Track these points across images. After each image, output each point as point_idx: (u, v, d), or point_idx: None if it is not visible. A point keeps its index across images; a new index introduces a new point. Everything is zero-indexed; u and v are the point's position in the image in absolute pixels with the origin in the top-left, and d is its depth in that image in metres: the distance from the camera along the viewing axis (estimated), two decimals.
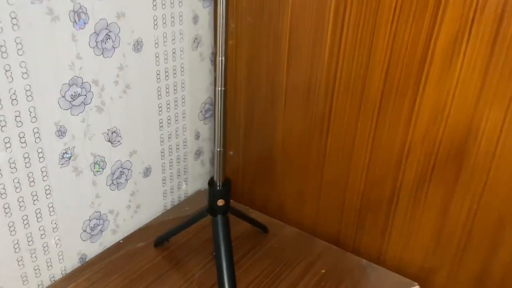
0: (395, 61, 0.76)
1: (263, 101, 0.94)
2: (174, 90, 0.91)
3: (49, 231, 0.76)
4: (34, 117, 0.67)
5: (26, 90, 0.65)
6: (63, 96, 0.70)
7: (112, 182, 0.85)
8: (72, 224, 0.80)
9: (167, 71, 0.88)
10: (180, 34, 0.88)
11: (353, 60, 0.80)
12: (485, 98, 0.70)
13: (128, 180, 0.88)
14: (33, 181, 0.71)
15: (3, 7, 0.59)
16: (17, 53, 0.62)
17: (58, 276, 0.81)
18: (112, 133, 0.81)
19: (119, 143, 0.83)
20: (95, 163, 0.80)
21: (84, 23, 0.70)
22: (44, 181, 0.72)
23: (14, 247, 0.72)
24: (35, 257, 0.76)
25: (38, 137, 0.69)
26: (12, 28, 0.61)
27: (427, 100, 0.75)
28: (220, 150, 0.74)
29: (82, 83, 0.73)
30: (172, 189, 1.01)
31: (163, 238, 0.89)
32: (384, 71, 0.77)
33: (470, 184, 0.76)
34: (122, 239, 0.91)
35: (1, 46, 0.60)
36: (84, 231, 0.83)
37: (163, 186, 0.98)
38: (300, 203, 0.98)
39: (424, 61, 0.73)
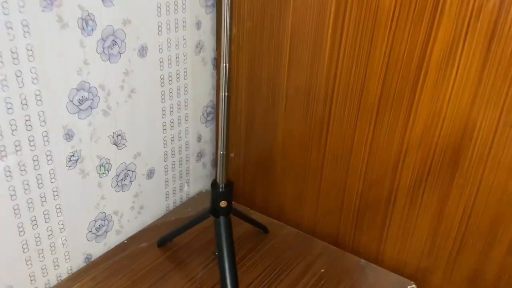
0: (392, 66, 0.78)
1: (264, 103, 0.96)
2: (177, 94, 0.93)
3: (56, 231, 0.78)
4: (43, 121, 0.70)
5: (36, 95, 0.67)
6: (71, 101, 0.73)
7: (117, 184, 0.87)
8: (78, 224, 0.82)
9: (170, 76, 0.90)
10: (184, 39, 0.90)
11: (352, 65, 0.82)
12: (479, 104, 0.72)
13: (132, 182, 0.90)
14: (41, 183, 0.73)
15: (15, 15, 0.61)
16: (28, 60, 0.64)
17: (64, 275, 0.83)
18: (117, 136, 0.83)
19: (124, 145, 0.85)
20: (100, 165, 0.82)
21: (92, 29, 0.72)
22: (52, 183, 0.74)
23: (22, 247, 0.74)
24: (43, 257, 0.78)
25: (47, 141, 0.71)
26: (24, 35, 0.63)
27: (424, 105, 0.77)
28: (223, 153, 0.76)
29: (89, 88, 0.75)
30: (175, 190, 1.03)
31: (166, 238, 0.91)
32: (382, 76, 0.80)
33: (464, 186, 0.78)
34: (126, 240, 0.93)
35: (13, 53, 0.62)
36: (89, 231, 0.85)
37: (165, 188, 1.00)
38: (299, 204, 1.01)
39: (421, 68, 0.75)
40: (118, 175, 0.86)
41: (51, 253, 0.79)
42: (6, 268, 0.72)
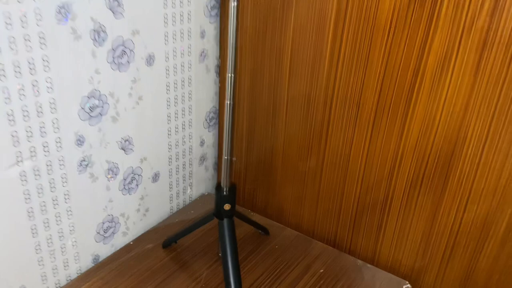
0: (389, 75, 0.82)
1: (265, 109, 1.00)
2: (182, 100, 0.97)
3: (67, 233, 0.81)
4: (57, 127, 0.73)
5: (51, 103, 0.70)
6: (82, 108, 0.76)
7: (124, 187, 0.90)
8: (87, 226, 0.85)
9: (176, 83, 0.93)
10: (189, 48, 0.93)
11: (350, 73, 0.86)
12: (471, 112, 0.76)
13: (139, 185, 0.94)
14: (54, 187, 0.76)
15: (33, 28, 0.64)
16: (44, 70, 0.68)
17: (73, 275, 0.86)
18: (125, 142, 0.86)
19: (131, 150, 0.88)
20: (109, 169, 0.85)
21: (103, 40, 0.75)
22: (63, 186, 0.78)
23: (35, 248, 0.77)
24: (54, 258, 0.81)
25: (60, 146, 0.74)
26: (40, 47, 0.66)
27: (418, 112, 0.81)
28: (227, 158, 0.80)
29: (100, 95, 0.78)
30: (178, 193, 1.06)
31: (171, 240, 0.94)
32: (379, 85, 0.83)
33: (456, 192, 0.82)
34: (132, 241, 0.96)
35: (30, 63, 0.66)
36: (97, 233, 0.88)
37: (169, 191, 1.03)
38: (299, 207, 1.04)
39: (416, 77, 0.79)
40: (125, 179, 0.90)
41: (62, 254, 0.82)
42: (20, 269, 0.75)
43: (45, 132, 0.71)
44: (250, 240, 0.98)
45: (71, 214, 0.81)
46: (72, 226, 0.82)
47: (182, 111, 0.98)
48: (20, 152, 0.69)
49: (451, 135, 0.79)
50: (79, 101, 0.75)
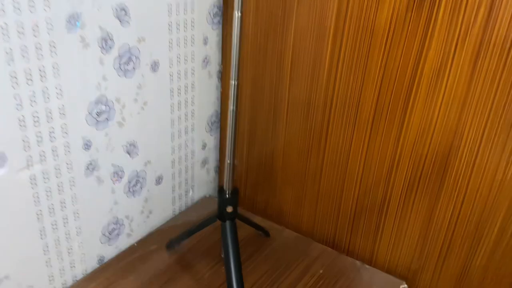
0: (387, 81, 0.84)
1: (266, 114, 1.02)
2: (185, 105, 0.99)
3: (74, 235, 0.84)
4: (65, 132, 0.75)
5: (60, 109, 0.73)
6: (90, 113, 0.78)
7: (129, 190, 0.92)
8: (93, 228, 0.87)
9: (179, 89, 0.96)
10: (192, 54, 0.96)
11: (349, 79, 0.88)
12: (466, 116, 0.78)
13: (143, 188, 0.96)
14: (62, 190, 0.78)
15: (44, 37, 0.66)
16: (54, 77, 0.70)
17: (79, 276, 0.88)
18: (130, 146, 0.89)
19: (136, 154, 0.91)
20: (114, 172, 0.88)
21: (110, 48, 0.77)
22: (71, 190, 0.80)
23: (43, 249, 0.79)
24: (61, 259, 0.83)
25: (68, 151, 0.77)
26: (51, 55, 0.68)
27: (415, 116, 0.83)
28: (230, 162, 0.82)
29: (107, 101, 0.80)
30: (180, 195, 1.09)
31: (174, 241, 0.96)
32: (377, 89, 0.86)
33: (452, 193, 0.84)
34: (136, 242, 0.98)
35: (41, 71, 0.68)
36: (103, 235, 0.90)
37: (172, 193, 1.06)
38: (298, 209, 1.07)
39: (413, 83, 0.82)
40: (130, 182, 0.92)
41: (68, 255, 0.84)
42: (28, 269, 0.77)
43: (54, 137, 0.73)
44: (251, 241, 1.00)
45: (78, 217, 0.83)
46: (79, 228, 0.84)
47: (185, 115, 1.00)
48: (31, 156, 0.71)
49: (447, 139, 0.82)
50: (86, 107, 0.77)
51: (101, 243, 0.91)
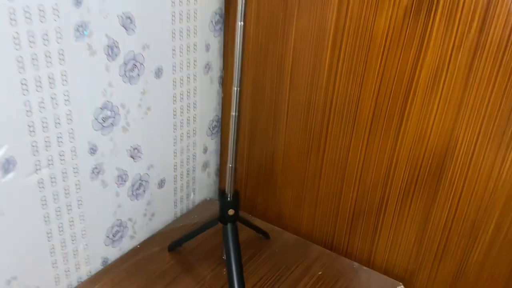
0: (384, 87, 0.86)
1: (266, 117, 1.04)
2: (187, 110, 1.01)
3: (79, 237, 0.86)
4: (72, 137, 0.77)
5: (67, 115, 0.75)
6: (96, 119, 0.80)
7: (132, 193, 0.94)
8: (97, 231, 0.89)
9: (182, 94, 0.98)
10: (194, 61, 0.98)
11: (348, 84, 0.90)
12: (460, 122, 0.81)
13: (145, 191, 0.98)
14: (68, 193, 0.80)
15: (53, 45, 0.69)
16: (62, 84, 0.72)
17: (84, 277, 0.90)
18: (134, 150, 0.91)
19: (139, 158, 0.93)
20: (119, 176, 0.90)
21: (116, 55, 0.80)
22: (77, 193, 0.82)
23: (50, 251, 0.81)
24: (67, 260, 0.85)
25: (75, 155, 0.79)
26: (59, 63, 0.70)
27: (412, 122, 0.86)
28: (231, 166, 0.84)
29: (112, 107, 0.82)
30: (182, 198, 1.11)
31: (176, 243, 0.98)
32: (375, 96, 0.88)
33: (448, 196, 0.86)
34: (139, 244, 1.00)
35: (50, 78, 0.70)
36: (107, 237, 0.92)
37: (174, 196, 1.08)
38: (298, 212, 1.09)
39: (409, 90, 0.84)
40: (133, 185, 0.94)
41: (74, 257, 0.86)
42: (35, 270, 0.79)
43: (61, 142, 0.76)
44: (251, 243, 1.02)
45: (83, 219, 0.85)
46: (84, 230, 0.86)
47: (187, 120, 1.03)
48: (39, 161, 0.73)
49: (442, 144, 0.84)
50: (93, 112, 0.79)
51: (105, 245, 0.93)
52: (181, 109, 0.99)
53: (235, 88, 0.78)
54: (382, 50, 0.84)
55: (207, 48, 1.01)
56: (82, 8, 0.71)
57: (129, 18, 0.79)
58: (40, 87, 0.69)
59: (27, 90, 0.67)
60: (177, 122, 1.00)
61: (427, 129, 0.85)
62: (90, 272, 0.91)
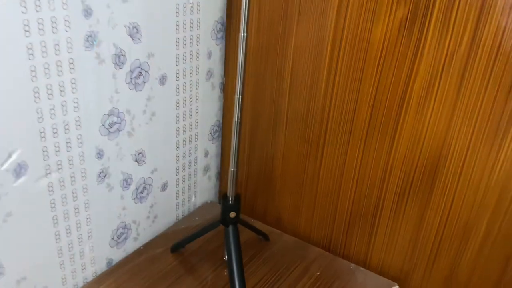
0: (380, 96, 0.89)
1: (266, 123, 1.07)
2: (190, 115, 1.04)
3: (85, 239, 0.88)
4: (81, 143, 0.80)
5: (76, 121, 0.78)
6: (103, 125, 0.83)
7: (136, 196, 0.97)
8: (103, 233, 0.92)
9: (184, 100, 1.01)
10: (197, 68, 1.01)
11: (345, 92, 0.93)
12: (453, 129, 0.84)
13: (149, 194, 1.01)
14: (76, 196, 0.83)
15: (64, 55, 0.72)
16: (72, 92, 0.75)
17: (90, 278, 0.93)
18: (138, 154, 0.94)
19: (143, 162, 0.96)
20: (124, 180, 0.93)
21: (123, 63, 0.83)
22: (84, 196, 0.85)
23: (58, 253, 0.83)
24: (73, 261, 0.87)
25: (83, 159, 0.82)
26: (70, 71, 0.73)
27: (406, 129, 0.89)
28: (233, 170, 0.87)
29: (118, 113, 0.85)
30: (184, 201, 1.14)
31: (179, 245, 1.01)
32: (371, 104, 0.91)
33: (441, 199, 0.89)
34: (142, 246, 1.02)
35: (61, 86, 0.73)
36: (112, 239, 0.95)
37: (176, 199, 1.11)
38: (296, 214, 1.12)
39: (404, 98, 0.87)
40: (137, 189, 0.97)
41: (80, 258, 0.89)
42: (43, 271, 0.82)
43: (70, 147, 0.78)
44: (251, 245, 1.05)
45: (89, 221, 0.88)
46: (90, 232, 0.89)
47: (190, 125, 1.06)
48: (49, 165, 0.76)
49: (435, 151, 0.87)
50: (100, 119, 0.82)
51: (110, 246, 0.95)
52: (183, 114, 1.02)
53: (238, 96, 0.81)
54: (378, 59, 0.88)
55: (209, 55, 1.04)
56: (92, 19, 0.74)
57: (135, 28, 0.82)
58: (51, 94, 0.72)
59: (39, 97, 0.70)
60: (179, 127, 1.03)
61: (421, 136, 0.88)
62: (96, 273, 0.94)
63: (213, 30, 1.02)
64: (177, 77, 0.96)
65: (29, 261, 0.78)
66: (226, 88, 1.12)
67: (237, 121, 0.83)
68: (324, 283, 0.95)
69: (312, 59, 0.95)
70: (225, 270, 0.96)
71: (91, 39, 0.75)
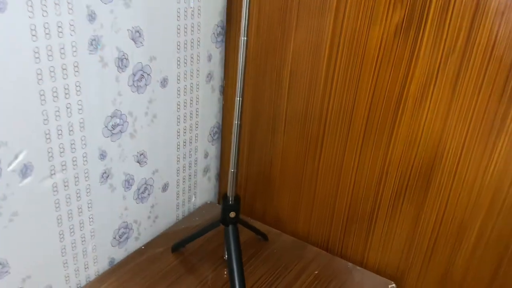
0: (376, 98, 0.91)
1: (265, 124, 1.09)
2: (190, 117, 1.06)
3: (88, 238, 0.90)
4: (84, 144, 0.82)
5: (80, 123, 0.80)
6: (106, 126, 0.85)
7: (138, 197, 0.99)
8: (105, 232, 0.94)
9: (185, 102, 1.03)
10: (197, 71, 1.03)
11: (343, 94, 0.95)
12: (448, 131, 0.86)
13: (150, 195, 1.03)
14: (79, 196, 0.85)
15: (69, 58, 0.73)
16: (76, 94, 0.77)
17: (92, 277, 0.94)
18: (140, 155, 0.96)
19: (145, 163, 0.98)
20: (126, 180, 0.94)
21: (125, 66, 0.84)
22: (87, 196, 0.86)
23: (61, 251, 0.85)
24: (76, 260, 0.89)
25: (86, 160, 0.83)
26: (74, 74, 0.75)
27: (402, 131, 0.91)
28: (233, 171, 0.89)
29: (121, 115, 0.87)
30: (184, 202, 1.16)
31: (179, 244, 1.03)
32: (368, 106, 0.93)
33: (436, 199, 0.91)
34: (143, 245, 1.04)
35: (66, 89, 0.75)
36: (114, 238, 0.97)
37: (176, 199, 1.13)
38: (295, 215, 1.13)
39: (400, 100, 0.89)
40: (139, 189, 0.99)
41: (83, 257, 0.90)
42: (48, 270, 0.84)
43: (74, 148, 0.80)
44: (250, 245, 1.06)
45: (92, 221, 0.89)
46: (93, 231, 0.91)
47: (190, 127, 1.07)
48: (54, 166, 0.78)
49: (431, 151, 0.89)
50: (103, 120, 0.84)
51: (112, 246, 0.97)
52: (184, 116, 1.04)
53: (238, 99, 0.82)
54: (374, 63, 0.90)
55: (209, 58, 1.06)
56: (96, 24, 0.76)
57: (138, 32, 0.84)
58: (57, 97, 0.74)
59: (44, 100, 0.72)
60: (180, 129, 1.05)
61: (417, 136, 0.90)
62: (98, 272, 0.95)
63: (213, 33, 1.04)
64: (178, 79, 0.98)
65: (34, 259, 0.80)
66: (226, 90, 1.14)
67: (238, 123, 0.84)
68: (322, 282, 0.97)
69: (311, 61, 0.97)
70: (225, 269, 0.98)
71: (95, 43, 0.77)
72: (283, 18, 0.97)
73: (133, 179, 0.96)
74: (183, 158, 1.09)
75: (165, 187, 1.06)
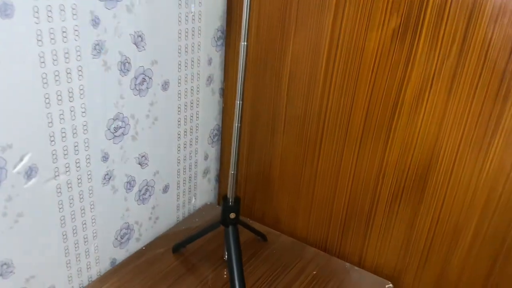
0: (374, 101, 0.93)
1: (264, 127, 1.10)
2: (190, 120, 1.08)
3: (91, 239, 0.92)
4: (87, 146, 0.83)
5: (83, 126, 0.81)
6: (108, 129, 0.87)
7: (139, 198, 1.01)
8: (107, 233, 0.95)
9: (186, 105, 1.05)
10: (198, 74, 1.05)
11: (341, 97, 0.97)
12: (443, 134, 0.87)
13: (151, 196, 1.04)
14: (82, 198, 0.86)
15: (73, 63, 0.75)
16: (80, 97, 0.78)
17: (94, 277, 0.96)
18: (141, 157, 0.97)
19: (146, 165, 0.99)
20: (127, 182, 0.96)
21: (128, 70, 0.86)
22: (90, 197, 0.88)
23: (64, 252, 0.87)
24: (79, 260, 0.90)
25: (89, 162, 0.85)
26: (78, 78, 0.77)
27: (399, 134, 0.92)
28: (233, 173, 0.90)
29: (123, 117, 0.89)
30: (184, 203, 1.17)
31: (180, 245, 1.04)
32: (365, 109, 0.95)
33: (432, 201, 0.93)
34: (144, 246, 1.05)
35: (70, 92, 0.76)
36: (115, 239, 0.98)
37: (177, 201, 1.14)
38: (293, 216, 1.15)
39: (397, 104, 0.91)
40: (140, 190, 1.00)
41: (86, 258, 0.92)
42: (51, 270, 0.85)
43: (77, 150, 0.82)
44: (250, 245, 1.08)
45: (94, 222, 0.91)
46: (95, 232, 0.92)
47: (190, 129, 1.09)
48: (57, 168, 0.79)
49: (426, 154, 0.91)
50: (106, 123, 0.86)
51: (114, 246, 0.99)
52: (185, 119, 1.06)
53: (238, 102, 0.84)
54: (372, 67, 0.91)
55: (210, 62, 1.08)
56: (99, 29, 0.77)
57: (140, 36, 0.86)
58: (61, 100, 0.75)
59: (49, 103, 0.73)
60: (181, 131, 1.06)
61: (413, 139, 0.91)
62: (100, 272, 0.97)
63: (214, 37, 1.06)
64: (179, 83, 1.00)
65: (38, 260, 0.82)
66: (226, 93, 1.16)
67: (238, 125, 0.86)
68: (320, 282, 0.98)
69: (309, 65, 0.99)
70: (225, 269, 1.00)
71: (98, 47, 0.78)
72: (282, 23, 0.99)
73: (134, 180, 0.97)
74: (184, 160, 1.11)
75: (165, 189, 1.08)
